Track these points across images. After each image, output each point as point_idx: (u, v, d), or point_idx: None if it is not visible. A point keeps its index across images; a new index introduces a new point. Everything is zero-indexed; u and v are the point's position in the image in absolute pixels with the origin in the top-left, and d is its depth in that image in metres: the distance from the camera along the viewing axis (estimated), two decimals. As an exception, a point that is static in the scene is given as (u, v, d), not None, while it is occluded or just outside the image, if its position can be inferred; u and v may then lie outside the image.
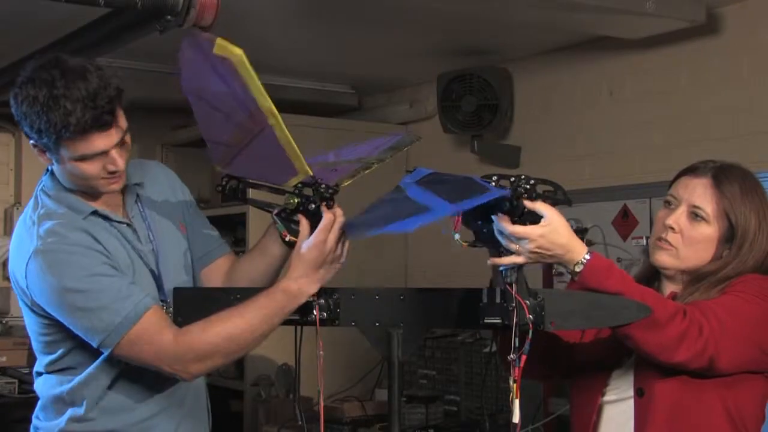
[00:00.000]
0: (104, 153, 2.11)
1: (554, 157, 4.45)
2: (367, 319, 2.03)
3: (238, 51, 1.93)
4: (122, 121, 2.13)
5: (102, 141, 2.10)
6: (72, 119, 2.04)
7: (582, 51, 4.38)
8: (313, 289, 2.07)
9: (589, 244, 3.82)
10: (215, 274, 2.42)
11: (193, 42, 1.99)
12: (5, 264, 4.89)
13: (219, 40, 1.94)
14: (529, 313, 1.87)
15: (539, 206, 1.92)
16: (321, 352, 2.00)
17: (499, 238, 1.93)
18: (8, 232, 5.24)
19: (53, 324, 2.20)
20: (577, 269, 1.95)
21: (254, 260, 2.35)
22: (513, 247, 1.92)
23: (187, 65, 2.04)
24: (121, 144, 2.14)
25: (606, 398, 2.18)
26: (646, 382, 2.11)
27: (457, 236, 1.93)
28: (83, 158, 2.11)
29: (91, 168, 2.13)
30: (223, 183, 2.22)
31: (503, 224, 1.91)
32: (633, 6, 3.51)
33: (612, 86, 4.30)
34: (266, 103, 1.98)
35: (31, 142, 2.16)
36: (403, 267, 5.34)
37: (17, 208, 5.24)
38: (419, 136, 2.41)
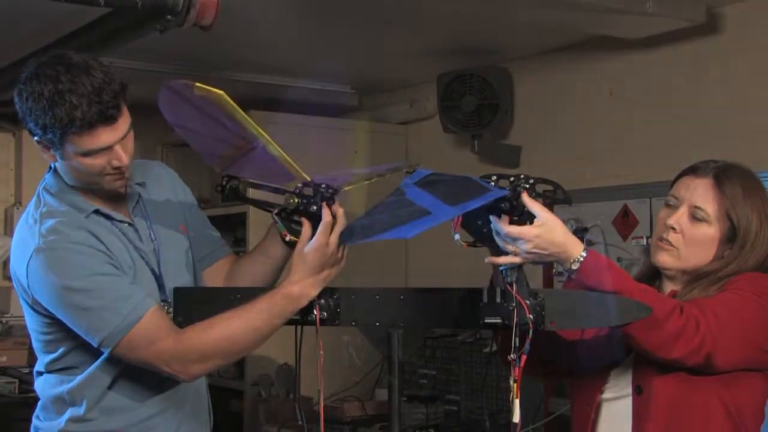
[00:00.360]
0: (109, 148, 2.12)
1: (554, 157, 4.46)
2: (367, 319, 2.03)
3: (218, 90, 1.97)
4: (127, 117, 2.14)
5: (107, 136, 2.10)
6: (78, 114, 2.04)
7: (582, 51, 4.38)
8: (315, 292, 2.07)
9: (589, 244, 3.83)
10: (217, 275, 2.42)
11: (170, 89, 2.03)
12: (5, 264, 4.89)
13: (197, 84, 1.97)
14: (530, 313, 1.87)
15: (535, 206, 1.92)
16: (321, 352, 2.00)
17: (496, 239, 1.94)
18: (8, 232, 5.24)
19: (54, 323, 2.20)
20: (574, 267, 1.95)
21: (255, 261, 2.35)
22: (509, 248, 1.92)
23: (168, 107, 2.08)
24: (125, 139, 2.14)
25: (605, 395, 2.18)
26: (644, 380, 2.11)
27: (457, 236, 1.94)
28: (88, 153, 2.11)
29: (96, 163, 2.13)
30: (223, 183, 2.22)
31: (500, 225, 1.92)
32: (633, 6, 3.52)
33: (612, 86, 4.30)
34: (255, 130, 2.01)
35: (36, 138, 2.16)
36: (403, 267, 5.34)
37: (17, 208, 5.24)
38: (418, 163, 2.43)
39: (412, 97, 5.26)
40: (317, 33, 4.27)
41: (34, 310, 2.22)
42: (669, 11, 3.61)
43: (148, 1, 2.96)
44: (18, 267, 2.20)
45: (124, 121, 2.13)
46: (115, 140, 2.11)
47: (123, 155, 2.14)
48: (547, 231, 1.91)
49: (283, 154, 2.04)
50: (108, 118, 2.08)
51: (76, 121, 2.04)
